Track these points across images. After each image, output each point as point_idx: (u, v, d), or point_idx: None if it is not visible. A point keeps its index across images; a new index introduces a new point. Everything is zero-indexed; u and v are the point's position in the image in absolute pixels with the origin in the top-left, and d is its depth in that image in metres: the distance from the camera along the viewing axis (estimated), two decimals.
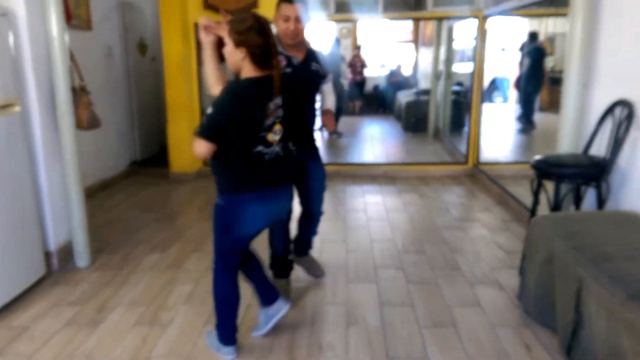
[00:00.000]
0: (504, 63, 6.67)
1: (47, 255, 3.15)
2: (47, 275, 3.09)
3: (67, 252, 3.28)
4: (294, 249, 3.08)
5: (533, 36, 5.68)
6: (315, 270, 3.12)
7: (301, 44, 2.68)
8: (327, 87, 2.91)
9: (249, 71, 2.05)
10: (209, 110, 1.98)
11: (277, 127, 2.09)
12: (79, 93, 3.29)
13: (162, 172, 5.74)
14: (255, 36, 2.00)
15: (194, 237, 3.80)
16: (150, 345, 2.38)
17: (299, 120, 2.59)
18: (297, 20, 2.59)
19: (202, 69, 2.39)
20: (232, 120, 1.98)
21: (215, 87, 2.16)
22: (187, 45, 5.52)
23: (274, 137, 2.08)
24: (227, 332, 2.28)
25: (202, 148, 1.97)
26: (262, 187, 2.10)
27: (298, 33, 2.60)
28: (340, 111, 7.77)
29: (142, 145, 6.28)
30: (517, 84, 6.32)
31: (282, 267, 2.93)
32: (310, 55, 2.74)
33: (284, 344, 2.38)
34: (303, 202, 2.93)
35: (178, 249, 3.56)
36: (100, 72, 5.24)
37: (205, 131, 1.97)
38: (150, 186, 5.39)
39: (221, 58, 2.17)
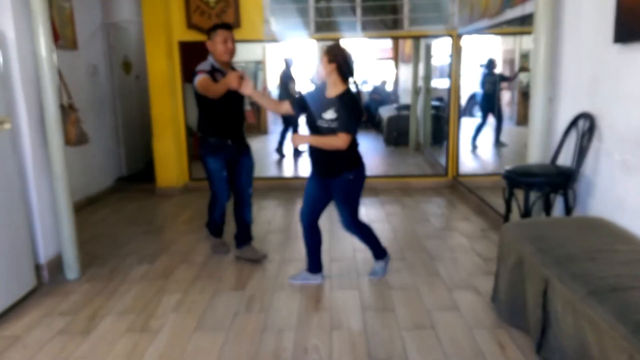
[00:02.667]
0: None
1: (38, 267, 3.22)
2: (37, 287, 3.15)
3: (57, 264, 3.35)
4: (236, 242, 3.66)
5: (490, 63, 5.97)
6: (257, 255, 3.50)
7: (230, 61, 3.39)
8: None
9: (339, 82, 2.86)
10: (342, 112, 2.77)
11: None
12: (67, 110, 3.39)
13: (149, 188, 5.82)
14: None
15: (181, 249, 3.88)
16: (141, 351, 2.46)
17: (240, 118, 3.51)
18: (233, 41, 3.31)
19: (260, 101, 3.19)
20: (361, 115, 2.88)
21: (282, 106, 3.09)
22: (172, 63, 5.65)
23: None
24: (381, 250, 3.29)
25: (347, 140, 2.80)
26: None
27: (234, 51, 3.33)
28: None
29: (128, 162, 6.36)
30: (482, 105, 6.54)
31: (249, 234, 3.65)
32: (234, 70, 3.36)
33: (270, 348, 2.48)
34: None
35: (166, 261, 3.64)
36: (85, 91, 5.33)
37: (351, 128, 2.82)
38: (137, 201, 5.46)
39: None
